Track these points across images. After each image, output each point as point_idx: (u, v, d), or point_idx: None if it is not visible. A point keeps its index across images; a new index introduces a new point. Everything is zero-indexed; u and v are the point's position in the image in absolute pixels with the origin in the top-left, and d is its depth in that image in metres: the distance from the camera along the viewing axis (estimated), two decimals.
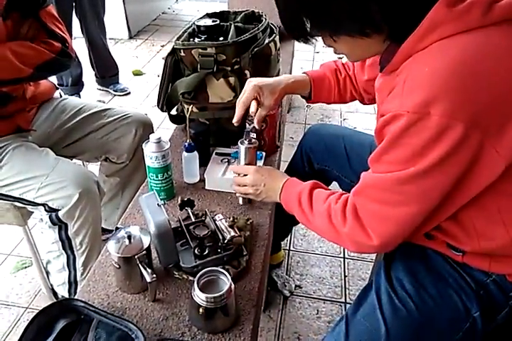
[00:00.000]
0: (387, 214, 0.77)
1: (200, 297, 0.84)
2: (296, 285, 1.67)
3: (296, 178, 1.03)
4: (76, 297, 0.94)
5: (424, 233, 0.85)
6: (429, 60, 0.70)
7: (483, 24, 0.68)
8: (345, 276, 1.73)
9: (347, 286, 1.68)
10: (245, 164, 1.11)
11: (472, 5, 0.67)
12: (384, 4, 0.69)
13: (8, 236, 1.84)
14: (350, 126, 2.82)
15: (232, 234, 1.03)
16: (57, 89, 1.48)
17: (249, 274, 1.03)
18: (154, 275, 0.89)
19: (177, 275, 1.00)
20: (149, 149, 1.13)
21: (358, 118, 2.93)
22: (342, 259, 1.81)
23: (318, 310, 1.58)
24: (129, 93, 3.09)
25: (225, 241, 1.01)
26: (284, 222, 1.52)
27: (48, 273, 1.42)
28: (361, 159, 1.29)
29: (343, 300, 1.63)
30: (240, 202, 1.22)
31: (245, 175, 1.08)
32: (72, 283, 1.36)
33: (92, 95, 3.04)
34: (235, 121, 1.14)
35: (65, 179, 1.18)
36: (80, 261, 1.30)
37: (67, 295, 1.39)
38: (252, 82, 1.14)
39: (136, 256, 0.90)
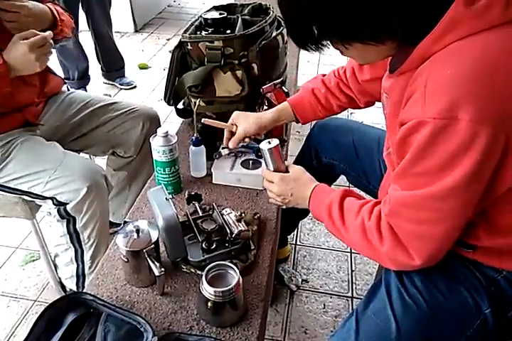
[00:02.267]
0: (427, 233, 0.75)
1: (208, 291, 0.84)
2: (302, 280, 1.67)
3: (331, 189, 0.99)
4: (85, 290, 0.94)
5: None
6: (450, 62, 0.68)
7: (505, 20, 0.66)
8: (352, 271, 1.72)
9: (354, 281, 1.68)
10: (274, 168, 1.03)
11: (492, 1, 0.66)
12: (400, 9, 0.67)
13: (17, 229, 1.85)
14: (357, 120, 2.80)
15: (240, 228, 1.02)
16: (65, 83, 1.47)
17: (257, 268, 1.03)
18: (162, 269, 0.89)
19: (185, 269, 1.00)
20: (157, 143, 1.13)
21: (365, 112, 2.89)
22: (349, 254, 1.80)
23: (324, 305, 1.58)
24: (135, 87, 3.08)
25: (233, 235, 1.01)
26: (291, 216, 1.51)
27: (56, 266, 1.43)
28: (369, 153, 1.28)
29: (349, 294, 1.63)
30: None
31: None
32: (80, 277, 1.36)
33: (98, 89, 3.04)
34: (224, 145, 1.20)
35: (73, 173, 1.18)
36: (87, 255, 1.30)
37: (75, 289, 1.39)
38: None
39: (144, 250, 0.90)
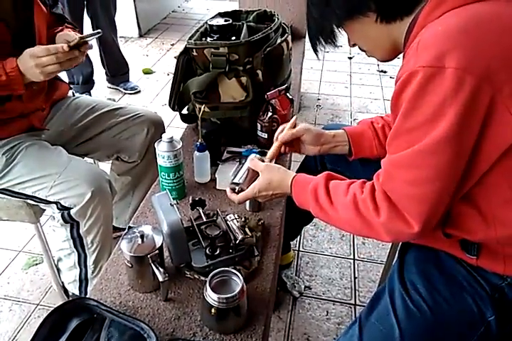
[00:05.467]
0: (421, 193, 0.74)
1: (212, 297, 0.84)
2: (305, 286, 1.66)
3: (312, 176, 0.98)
4: (88, 295, 0.94)
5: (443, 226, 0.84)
6: (442, 22, 0.73)
7: None
8: (355, 278, 1.72)
9: (357, 288, 1.67)
10: (240, 180, 1.05)
11: None
12: None
13: (20, 232, 1.85)
14: None
15: (244, 234, 1.03)
16: (71, 88, 1.48)
17: (261, 275, 1.03)
18: (166, 275, 0.89)
19: (188, 275, 1.00)
20: (161, 148, 1.13)
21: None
22: (352, 261, 1.80)
23: (327, 312, 1.57)
24: (139, 91, 3.09)
25: (237, 241, 1.01)
26: (294, 222, 1.51)
27: (59, 270, 1.42)
28: (374, 164, 1.28)
29: (352, 301, 1.62)
30: (247, 207, 1.21)
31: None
32: (83, 281, 1.36)
33: (102, 93, 3.05)
34: (268, 157, 1.11)
35: (77, 177, 1.19)
36: (90, 259, 1.30)
37: (77, 293, 1.39)
38: (300, 124, 1.16)
39: (148, 256, 0.90)
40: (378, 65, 3.63)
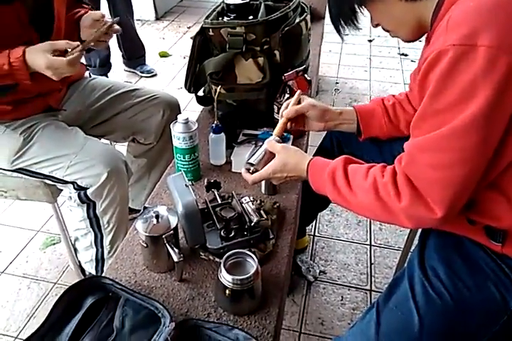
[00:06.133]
0: (446, 178, 0.71)
1: (226, 279, 0.83)
2: (320, 271, 1.65)
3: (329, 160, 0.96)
4: (104, 274, 0.95)
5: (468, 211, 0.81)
6: None
7: None
8: (371, 264, 1.70)
9: (373, 274, 1.66)
10: (256, 162, 1.03)
11: None
12: None
13: (38, 212, 1.88)
14: None
15: (259, 217, 1.01)
16: (87, 69, 1.47)
17: (276, 258, 1.02)
18: (181, 255, 0.89)
19: (203, 256, 0.99)
20: (177, 129, 1.12)
21: None
22: (368, 246, 1.78)
23: (342, 297, 1.56)
24: (156, 75, 3.08)
25: (252, 223, 1.00)
26: (310, 207, 1.49)
27: (75, 250, 1.44)
28: (391, 148, 1.25)
29: (368, 287, 1.61)
30: (263, 190, 1.19)
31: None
32: (99, 261, 1.38)
33: (119, 76, 3.05)
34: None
35: (94, 158, 1.19)
36: (107, 240, 1.31)
37: (94, 272, 1.41)
38: (307, 100, 1.13)
39: (163, 236, 0.89)
40: (399, 48, 3.54)
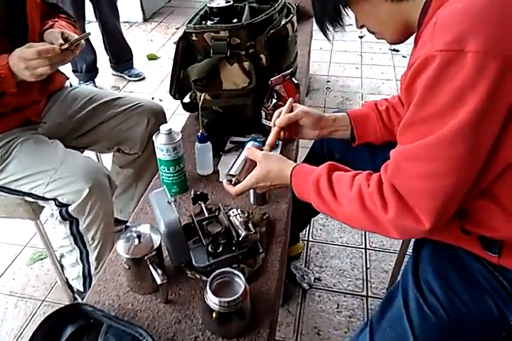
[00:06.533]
0: (434, 188, 0.68)
1: (213, 301, 0.79)
2: (315, 278, 1.62)
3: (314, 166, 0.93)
4: (87, 297, 0.91)
5: (461, 223, 0.78)
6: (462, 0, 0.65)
7: None
8: (366, 268, 1.67)
9: (369, 279, 1.62)
10: (237, 170, 1.01)
11: None
12: None
13: (24, 227, 1.83)
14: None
15: (247, 230, 0.98)
16: (68, 78, 1.42)
17: (266, 273, 0.98)
18: (165, 277, 0.84)
19: (190, 275, 0.95)
20: (160, 141, 1.08)
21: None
22: (363, 250, 1.74)
23: (338, 304, 1.53)
24: (144, 78, 3.03)
25: (240, 238, 0.96)
26: (303, 212, 1.46)
27: (62, 266, 1.40)
28: (384, 153, 1.21)
29: (364, 293, 1.57)
30: (251, 200, 1.16)
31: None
32: (87, 277, 1.33)
33: (106, 81, 3.00)
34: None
35: (74, 173, 1.14)
36: (92, 256, 1.27)
37: (82, 289, 1.37)
38: (298, 107, 1.10)
39: (146, 257, 0.85)
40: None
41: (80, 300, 1.43)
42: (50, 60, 1.00)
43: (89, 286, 1.35)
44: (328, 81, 3.04)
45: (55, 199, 1.16)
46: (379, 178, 0.76)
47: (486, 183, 0.71)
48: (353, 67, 3.23)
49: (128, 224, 0.94)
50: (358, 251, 1.74)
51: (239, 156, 1.03)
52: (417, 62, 0.65)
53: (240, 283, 0.83)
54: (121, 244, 0.87)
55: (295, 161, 1.40)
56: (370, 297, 1.56)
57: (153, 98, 2.74)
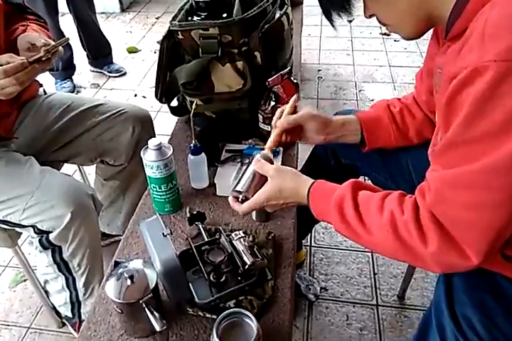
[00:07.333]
0: (486, 221, 0.59)
1: None
2: (321, 288, 1.52)
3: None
4: (78, 336, 0.79)
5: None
6: None
7: None
8: (374, 274, 1.58)
9: (377, 286, 1.53)
10: (245, 186, 0.88)
11: None
12: None
13: None
14: (368, 98, 2.60)
15: (254, 257, 0.87)
16: (41, 85, 1.27)
17: (277, 304, 0.88)
18: (164, 323, 0.73)
19: (191, 312, 0.84)
20: (149, 158, 0.95)
21: (376, 88, 2.71)
22: (370, 254, 1.65)
23: (347, 316, 1.44)
24: (125, 73, 2.85)
25: (246, 266, 0.85)
26: (306, 219, 1.35)
27: (47, 292, 1.28)
28: (394, 153, 1.10)
29: (374, 302, 1.48)
30: (254, 216, 1.05)
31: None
32: (75, 303, 1.22)
33: (85, 78, 2.83)
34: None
35: (53, 197, 1.01)
36: (80, 282, 1.15)
37: (70, 315, 1.25)
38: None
39: (141, 301, 0.74)
40: (381, 28, 3.37)
41: (69, 326, 1.32)
42: (17, 79, 0.88)
43: (79, 312, 1.24)
44: (320, 70, 2.92)
45: (33, 226, 1.03)
46: (414, 203, 0.66)
47: None
48: (344, 53, 3.10)
49: (117, 259, 0.82)
50: (364, 255, 1.65)
51: (246, 168, 0.91)
52: (462, 74, 0.55)
53: (252, 325, 0.73)
54: (111, 286, 0.75)
55: (296, 166, 1.30)
56: (381, 306, 1.47)
57: (135, 95, 2.59)
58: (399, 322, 1.43)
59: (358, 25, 3.41)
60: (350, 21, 3.57)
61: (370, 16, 0.76)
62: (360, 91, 2.69)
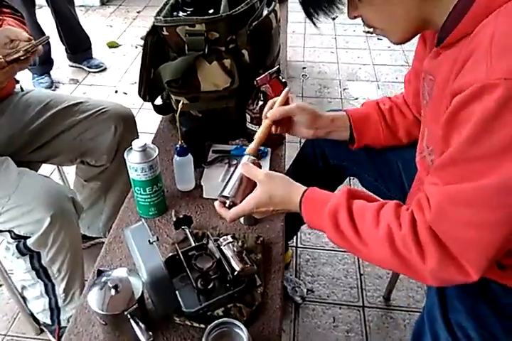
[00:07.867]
0: (489, 238, 0.58)
1: None
2: (307, 290, 1.50)
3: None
4: None
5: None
6: None
7: None
8: (360, 275, 1.57)
9: (363, 287, 1.53)
10: (233, 191, 0.84)
11: None
12: None
13: None
14: (352, 97, 2.60)
15: (243, 263, 0.84)
16: (18, 82, 1.21)
17: (266, 311, 0.85)
18: (151, 335, 0.70)
19: (178, 321, 0.81)
20: (133, 159, 0.91)
21: (360, 86, 2.70)
22: None
23: (334, 318, 1.42)
24: (105, 69, 2.77)
25: (235, 273, 0.83)
26: (292, 221, 1.33)
27: (24, 298, 1.22)
28: (383, 154, 1.09)
29: (360, 303, 1.47)
30: (242, 220, 1.02)
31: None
32: (54, 309, 1.17)
33: (63, 73, 2.74)
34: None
35: (31, 200, 0.96)
36: (60, 288, 1.11)
37: (49, 322, 1.20)
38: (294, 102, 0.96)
39: (126, 312, 0.70)
40: (364, 26, 3.36)
41: (48, 333, 1.26)
42: None
43: (58, 318, 1.19)
44: (304, 67, 2.90)
45: (10, 231, 0.98)
46: (411, 217, 0.64)
47: None
48: (328, 51, 3.09)
49: (99, 267, 0.78)
50: (350, 256, 1.64)
51: (233, 171, 0.87)
52: (468, 91, 0.54)
53: (242, 335, 0.71)
54: (94, 296, 0.72)
55: (284, 166, 1.27)
56: (367, 307, 1.47)
57: (116, 91, 2.52)
58: (385, 323, 1.42)
59: (342, 23, 3.40)
60: (333, 19, 3.57)
61: (355, 17, 0.74)
62: (344, 89, 2.68)
